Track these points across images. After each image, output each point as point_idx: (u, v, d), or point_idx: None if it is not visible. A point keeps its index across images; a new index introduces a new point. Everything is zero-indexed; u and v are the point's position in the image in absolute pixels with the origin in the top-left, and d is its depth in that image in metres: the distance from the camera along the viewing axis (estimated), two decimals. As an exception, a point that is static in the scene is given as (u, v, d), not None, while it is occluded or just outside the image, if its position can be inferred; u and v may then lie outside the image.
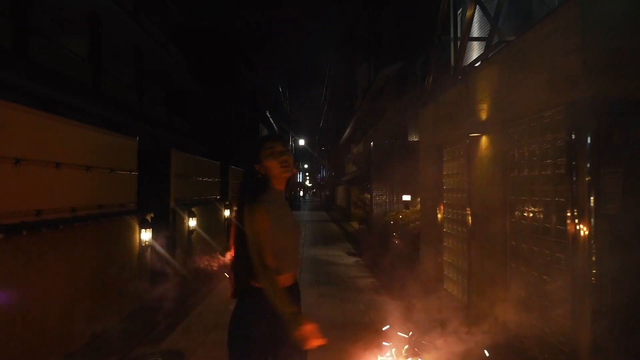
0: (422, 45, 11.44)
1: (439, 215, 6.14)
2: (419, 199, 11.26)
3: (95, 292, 4.38)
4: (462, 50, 5.09)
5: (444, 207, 6.05)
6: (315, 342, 1.71)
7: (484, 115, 4.45)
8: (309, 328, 1.70)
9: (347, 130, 26.89)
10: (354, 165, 16.99)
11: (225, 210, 10.92)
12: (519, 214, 3.82)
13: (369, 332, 4.63)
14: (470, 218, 4.88)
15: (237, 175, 13.62)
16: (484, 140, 4.46)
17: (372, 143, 12.02)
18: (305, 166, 71.54)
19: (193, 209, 7.91)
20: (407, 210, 10.04)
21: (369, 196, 13.37)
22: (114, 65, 10.08)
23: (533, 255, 3.58)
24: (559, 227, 3.24)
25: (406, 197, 10.75)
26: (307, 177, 71.94)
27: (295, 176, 2.32)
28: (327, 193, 37.29)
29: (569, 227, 3.07)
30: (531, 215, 3.63)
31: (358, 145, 22.92)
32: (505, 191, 4.05)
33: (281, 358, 1.97)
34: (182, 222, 7.48)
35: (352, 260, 9.51)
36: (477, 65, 4.67)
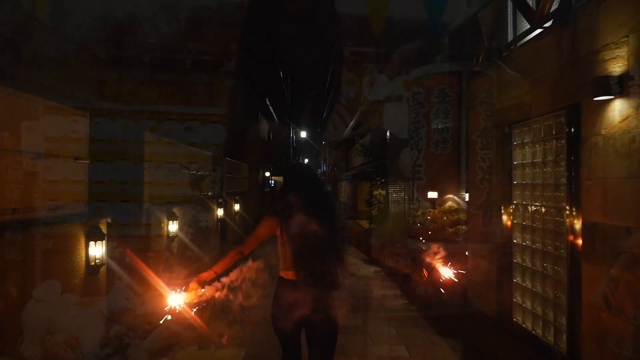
0: (448, 13, 9.73)
1: (506, 222, 4.50)
2: (446, 196, 9.68)
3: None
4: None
5: (513, 209, 4.41)
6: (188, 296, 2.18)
7: (617, 67, 2.79)
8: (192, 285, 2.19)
9: (352, 121, 25.17)
10: (365, 157, 15.25)
11: (219, 208, 9.25)
12: None
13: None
14: (579, 228, 3.23)
15: (233, 168, 11.95)
16: (617, 106, 2.80)
17: (388, 131, 10.31)
18: (306, 161, 69.86)
19: (174, 210, 6.26)
20: (435, 210, 8.42)
21: (383, 192, 11.74)
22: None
23: None
24: None
25: (432, 195, 9.07)
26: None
27: None
28: (329, 189, 35.56)
29: None
30: None
31: (364, 137, 21.20)
32: (674, 189, 2.40)
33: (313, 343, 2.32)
34: (159, 225, 5.82)
35: (371, 270, 7.88)
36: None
